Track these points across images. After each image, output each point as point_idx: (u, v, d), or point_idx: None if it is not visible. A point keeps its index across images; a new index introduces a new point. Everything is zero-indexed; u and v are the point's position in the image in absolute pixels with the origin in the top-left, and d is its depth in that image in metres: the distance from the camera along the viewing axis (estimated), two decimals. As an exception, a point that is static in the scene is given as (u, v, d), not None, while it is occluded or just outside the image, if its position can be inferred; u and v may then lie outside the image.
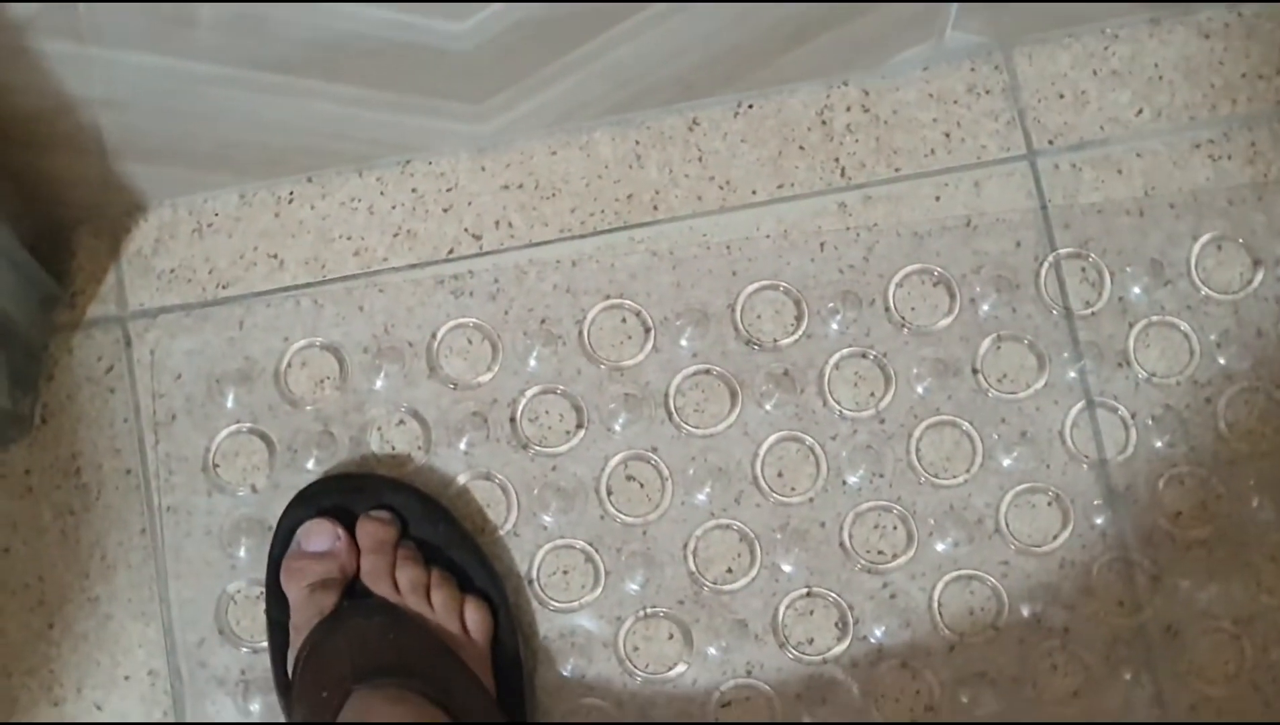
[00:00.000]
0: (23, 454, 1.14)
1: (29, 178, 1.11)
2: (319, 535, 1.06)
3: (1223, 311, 1.16)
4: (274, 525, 1.10)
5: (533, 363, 1.15)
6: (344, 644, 1.01)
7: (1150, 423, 1.14)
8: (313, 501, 1.09)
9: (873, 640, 1.11)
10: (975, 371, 1.15)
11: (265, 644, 1.09)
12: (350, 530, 1.07)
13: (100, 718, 1.11)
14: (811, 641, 1.11)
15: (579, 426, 1.14)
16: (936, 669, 1.11)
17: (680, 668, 1.11)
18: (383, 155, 1.19)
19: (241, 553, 1.12)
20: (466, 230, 1.18)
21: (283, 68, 1.05)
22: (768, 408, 1.14)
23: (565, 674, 1.11)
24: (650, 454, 1.14)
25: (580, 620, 1.12)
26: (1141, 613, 1.11)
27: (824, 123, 1.20)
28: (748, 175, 1.19)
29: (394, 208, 1.18)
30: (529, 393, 1.15)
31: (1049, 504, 1.13)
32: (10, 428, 1.13)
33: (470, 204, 1.18)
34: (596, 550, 1.12)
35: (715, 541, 1.13)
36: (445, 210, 1.18)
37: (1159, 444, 1.14)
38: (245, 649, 1.11)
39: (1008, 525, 1.13)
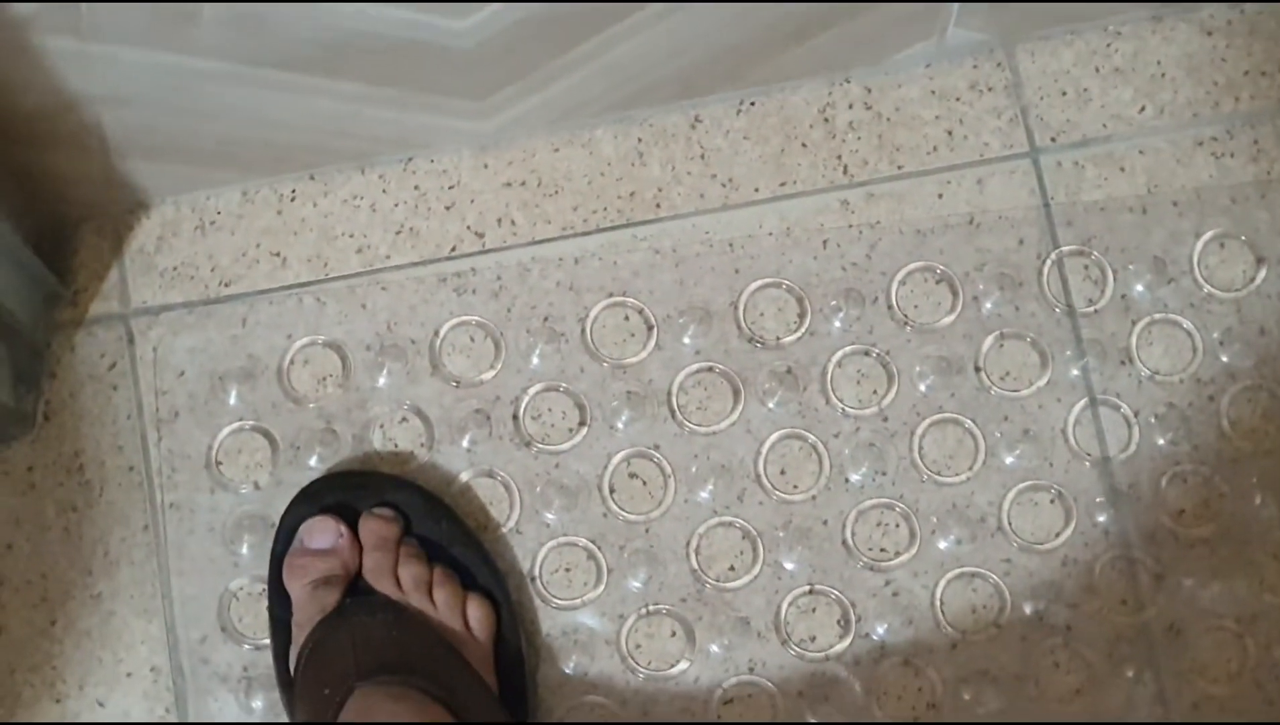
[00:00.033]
0: (25, 451, 1.14)
1: (31, 175, 1.11)
2: (321, 532, 1.06)
3: (1225, 309, 1.16)
4: (277, 522, 1.10)
5: (535, 360, 1.15)
6: (346, 641, 1.01)
7: (1153, 421, 1.14)
8: (315, 499, 1.09)
9: (875, 638, 1.11)
10: (978, 369, 1.15)
11: (267, 641, 1.09)
12: (353, 528, 1.07)
13: (103, 714, 1.11)
14: (814, 639, 1.11)
15: (581, 424, 1.14)
16: (939, 667, 1.11)
17: (682, 665, 1.11)
18: (385, 153, 1.19)
19: (244, 550, 1.12)
20: (469, 228, 1.18)
21: (285, 65, 1.05)
22: (770, 405, 1.14)
23: (568, 671, 1.11)
24: (653, 451, 1.14)
25: (582, 618, 1.12)
26: (1144, 611, 1.11)
27: (826, 120, 1.20)
28: (750, 173, 1.19)
29: (396, 205, 1.18)
30: (532, 390, 1.15)
31: (1051, 502, 1.13)
32: (13, 425, 1.13)
33: (473, 201, 1.18)
34: (599, 548, 1.12)
35: (718, 539, 1.13)
36: (448, 208, 1.18)
37: (1162, 442, 1.14)
38: (248, 646, 1.11)
39: (1010, 523, 1.13)
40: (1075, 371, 1.15)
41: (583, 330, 1.16)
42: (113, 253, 1.18)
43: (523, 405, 1.14)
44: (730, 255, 1.17)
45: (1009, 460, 1.13)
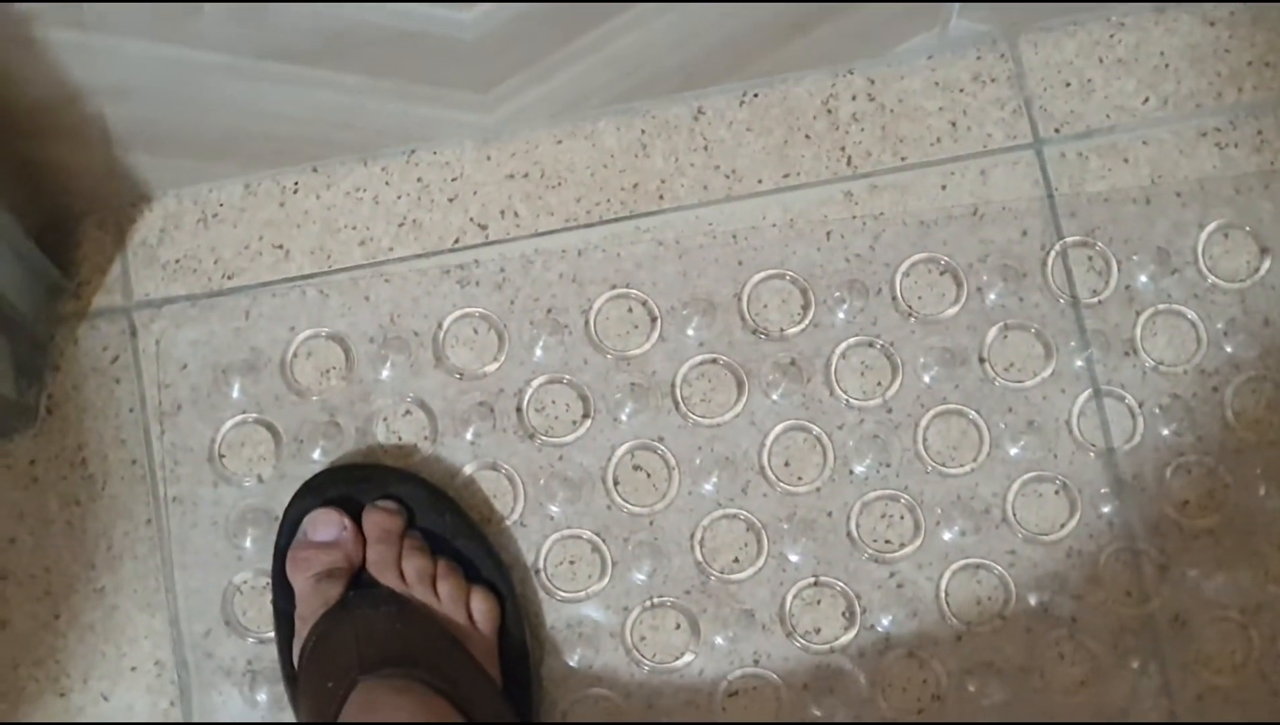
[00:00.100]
0: (28, 444, 1.14)
1: (34, 168, 1.11)
2: (325, 525, 1.06)
3: (1229, 300, 1.16)
4: (280, 516, 1.09)
5: (539, 352, 1.15)
6: (350, 634, 1.01)
7: (1157, 411, 1.14)
8: (319, 492, 1.09)
9: (880, 629, 1.11)
10: (982, 360, 1.15)
11: (271, 635, 1.09)
12: (356, 520, 1.07)
13: (107, 708, 1.10)
14: (819, 631, 1.11)
15: (585, 416, 1.14)
16: (944, 658, 1.11)
17: (687, 657, 1.11)
18: (388, 145, 1.18)
19: (248, 543, 1.12)
20: (472, 220, 1.18)
21: (287, 57, 1.05)
22: (774, 397, 1.14)
23: (572, 664, 1.11)
24: (657, 444, 1.14)
25: (587, 610, 1.12)
26: (1149, 602, 1.11)
27: (829, 111, 1.20)
28: (753, 164, 1.18)
29: (399, 197, 1.18)
30: (535, 382, 1.15)
31: (1056, 493, 1.13)
32: (16, 418, 1.13)
33: (476, 193, 1.18)
34: (603, 540, 1.12)
35: (722, 531, 1.13)
36: (451, 200, 1.18)
37: (1166, 433, 1.14)
38: (252, 639, 1.11)
39: (1015, 514, 1.13)
40: (1079, 362, 1.15)
41: (586, 322, 1.15)
42: (115, 245, 1.18)
43: (526, 397, 1.14)
44: (734, 247, 1.17)
45: (1013, 451, 1.13)
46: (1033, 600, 1.11)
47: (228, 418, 1.14)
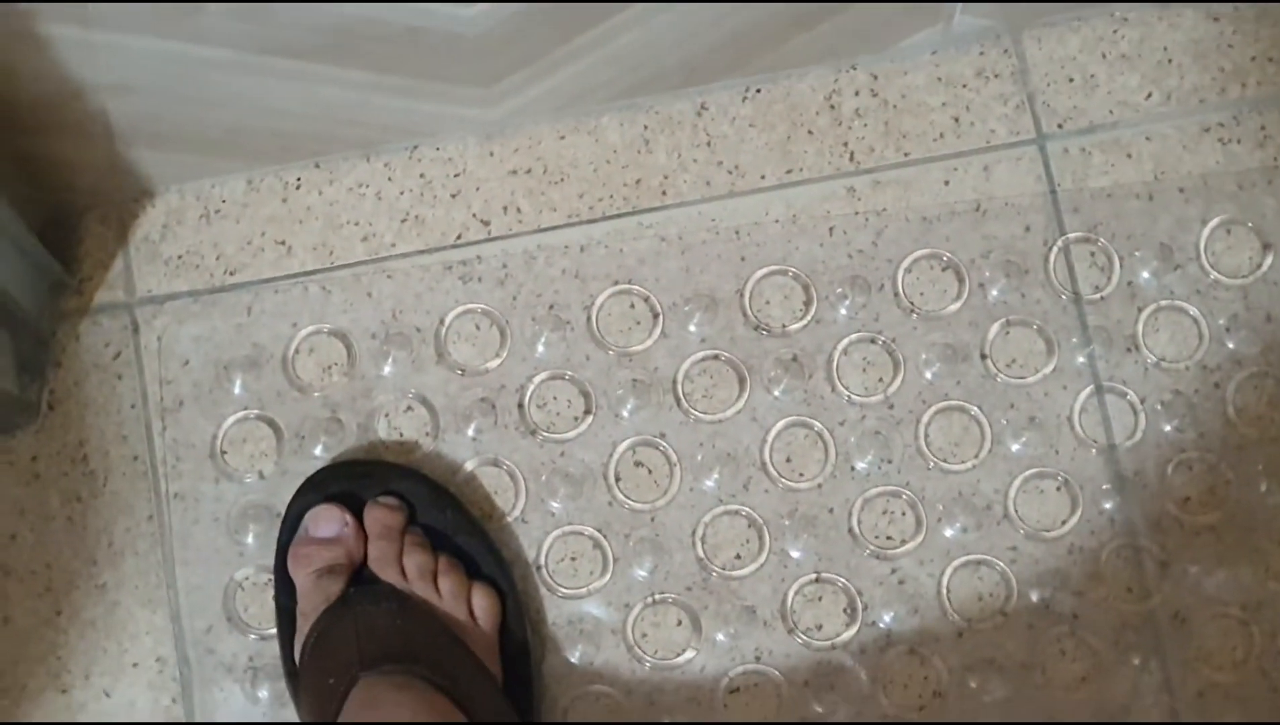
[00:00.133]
0: (30, 440, 1.14)
1: (37, 163, 1.11)
2: (326, 521, 1.06)
3: (1232, 296, 1.16)
4: (282, 512, 1.09)
5: (541, 348, 1.15)
6: (351, 630, 1.01)
7: (1159, 408, 1.14)
8: (320, 488, 1.09)
9: (881, 626, 1.11)
10: (984, 357, 1.15)
11: (273, 631, 1.09)
12: (358, 516, 1.07)
13: (109, 704, 1.11)
14: (820, 627, 1.11)
15: (587, 412, 1.14)
16: (945, 655, 1.11)
17: (689, 654, 1.11)
18: (390, 141, 1.18)
19: (249, 539, 1.12)
20: (475, 216, 1.18)
21: (290, 53, 1.05)
22: (776, 393, 1.14)
23: (573, 661, 1.11)
24: (658, 440, 1.14)
25: (588, 607, 1.12)
26: (1150, 598, 1.11)
27: (832, 107, 1.20)
28: (756, 160, 1.18)
29: (402, 193, 1.18)
30: (537, 379, 1.15)
31: (1057, 489, 1.13)
32: (18, 414, 1.13)
33: (478, 189, 1.18)
34: (605, 536, 1.12)
35: (724, 527, 1.13)
36: (453, 196, 1.18)
37: (1168, 429, 1.14)
38: (253, 636, 1.11)
39: (1016, 511, 1.12)
40: (1081, 358, 1.14)
41: (588, 318, 1.15)
42: (118, 241, 1.18)
43: (528, 393, 1.14)
44: (736, 242, 1.17)
45: (1015, 448, 1.13)
46: (1034, 597, 1.11)
47: (229, 414, 1.15)
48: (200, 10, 0.98)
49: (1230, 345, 1.15)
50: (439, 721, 0.96)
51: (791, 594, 1.12)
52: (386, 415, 1.14)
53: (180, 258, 1.17)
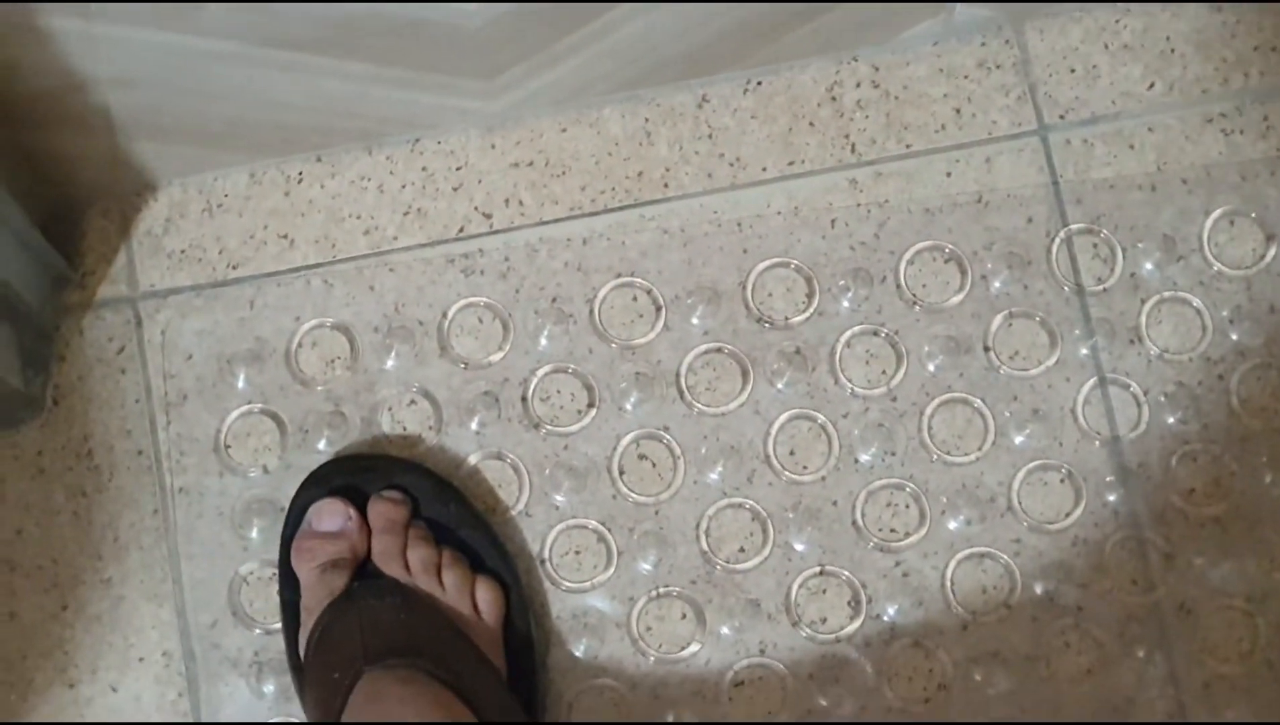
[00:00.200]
0: (35, 435, 1.14)
1: (38, 158, 1.11)
2: (330, 515, 1.06)
3: (1235, 287, 1.16)
4: (286, 506, 1.10)
5: (544, 342, 1.15)
6: (355, 625, 1.01)
7: (1163, 399, 1.14)
8: (324, 482, 1.09)
9: (885, 619, 1.11)
10: (987, 349, 1.15)
11: (278, 625, 1.09)
12: (361, 511, 1.07)
13: (115, 699, 1.11)
14: (824, 620, 1.11)
15: (590, 406, 1.14)
16: (949, 648, 1.11)
17: (693, 648, 1.11)
18: (392, 133, 1.18)
19: (254, 534, 1.12)
20: (477, 209, 1.18)
21: (292, 45, 1.05)
22: (779, 386, 1.14)
23: (578, 655, 1.11)
24: (662, 433, 1.14)
25: (593, 600, 1.12)
26: (1155, 591, 1.11)
27: (834, 99, 1.19)
28: (758, 152, 1.18)
29: (404, 186, 1.18)
30: (540, 372, 1.14)
31: (1061, 481, 1.13)
32: (22, 409, 1.13)
33: (480, 182, 1.18)
34: (609, 530, 1.12)
35: (727, 521, 1.13)
36: (455, 188, 1.18)
37: (1171, 421, 1.14)
38: (258, 630, 1.11)
39: (1020, 503, 1.13)
40: (1084, 350, 1.14)
41: (591, 311, 1.15)
42: (120, 235, 1.18)
43: (531, 387, 1.14)
44: (738, 235, 1.17)
45: (1018, 440, 1.13)
46: (1038, 589, 1.11)
47: (233, 408, 1.15)
48: (201, 3, 0.98)
49: (1234, 337, 1.15)
50: (443, 716, 0.96)
51: (796, 587, 1.12)
52: (390, 409, 1.14)
53: (183, 251, 1.17)
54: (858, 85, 1.20)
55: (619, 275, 1.16)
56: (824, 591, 1.12)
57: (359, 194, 1.18)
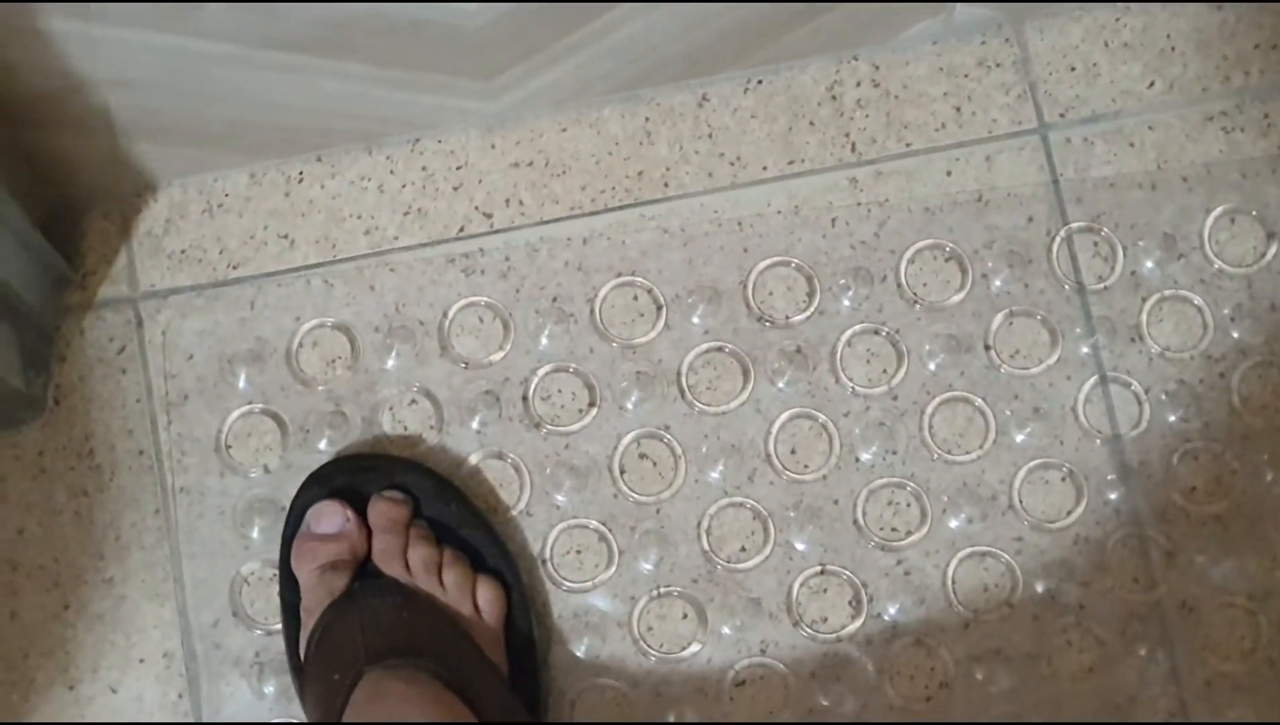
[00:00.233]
0: (36, 435, 1.14)
1: (39, 159, 1.11)
2: (328, 517, 1.06)
3: (1236, 285, 1.16)
4: (287, 506, 1.09)
5: (544, 341, 1.15)
6: (356, 625, 1.01)
7: (1164, 398, 1.14)
8: (325, 482, 1.09)
9: (887, 618, 1.11)
10: (987, 347, 1.15)
11: (279, 625, 1.09)
12: (362, 510, 1.07)
13: (116, 699, 1.11)
14: (826, 619, 1.11)
15: (591, 405, 1.14)
16: (951, 646, 1.11)
17: (694, 647, 1.11)
18: (392, 134, 1.18)
19: (255, 533, 1.12)
20: (477, 208, 1.18)
21: (292, 46, 1.05)
22: (780, 385, 1.14)
23: (579, 654, 1.11)
24: (663, 432, 1.14)
25: (594, 600, 1.12)
26: (1156, 589, 1.11)
27: (834, 98, 1.19)
28: (758, 151, 1.18)
29: (404, 186, 1.18)
30: (541, 371, 1.14)
31: (1062, 480, 1.13)
32: (23, 409, 1.13)
33: (480, 182, 1.18)
34: (610, 529, 1.12)
35: (728, 520, 1.13)
36: (456, 188, 1.18)
37: (1173, 419, 1.14)
38: (259, 631, 1.11)
39: (1021, 501, 1.12)
40: (1085, 349, 1.14)
41: (591, 310, 1.15)
42: (120, 236, 1.18)
43: (532, 386, 1.14)
44: (739, 234, 1.17)
45: (1019, 438, 1.13)
46: (1040, 587, 1.11)
47: (234, 408, 1.15)
48: (201, 4, 0.98)
49: (1235, 334, 1.15)
50: (445, 716, 0.96)
51: (797, 586, 1.12)
52: (390, 409, 1.14)
53: (183, 252, 1.17)
54: (858, 84, 1.20)
55: (619, 274, 1.16)
56: (825, 590, 1.12)
57: (359, 194, 1.18)
